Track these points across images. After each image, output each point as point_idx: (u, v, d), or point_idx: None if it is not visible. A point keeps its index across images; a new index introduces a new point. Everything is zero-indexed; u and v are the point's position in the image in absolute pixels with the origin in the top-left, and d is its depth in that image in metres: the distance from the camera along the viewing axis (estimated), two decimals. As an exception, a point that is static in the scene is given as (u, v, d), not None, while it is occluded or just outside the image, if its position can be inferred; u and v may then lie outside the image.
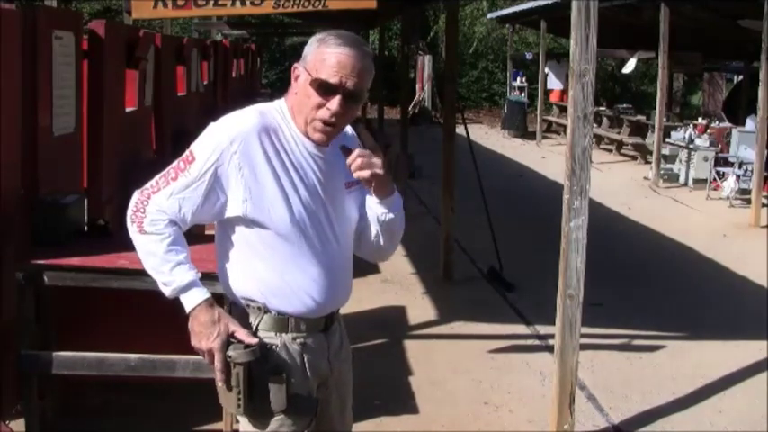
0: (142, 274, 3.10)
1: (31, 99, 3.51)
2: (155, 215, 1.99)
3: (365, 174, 1.96)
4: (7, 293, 3.20)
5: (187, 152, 2.00)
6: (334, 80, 1.93)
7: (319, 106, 1.96)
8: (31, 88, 3.50)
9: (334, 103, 1.95)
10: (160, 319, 3.44)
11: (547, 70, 18.65)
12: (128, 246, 3.32)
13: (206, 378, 3.22)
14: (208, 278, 2.11)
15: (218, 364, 1.98)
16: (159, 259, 2.00)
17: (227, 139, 1.95)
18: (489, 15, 21.92)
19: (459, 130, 7.07)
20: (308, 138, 2.02)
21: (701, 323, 5.68)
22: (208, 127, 2.02)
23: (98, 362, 3.20)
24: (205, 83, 8.90)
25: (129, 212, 2.02)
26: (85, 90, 4.32)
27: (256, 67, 17.19)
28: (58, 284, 3.18)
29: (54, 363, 3.16)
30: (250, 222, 1.99)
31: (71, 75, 4.03)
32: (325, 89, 1.94)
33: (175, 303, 2.04)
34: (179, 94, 7.21)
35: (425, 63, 21.16)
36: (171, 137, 6.52)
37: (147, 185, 2.02)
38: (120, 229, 4.21)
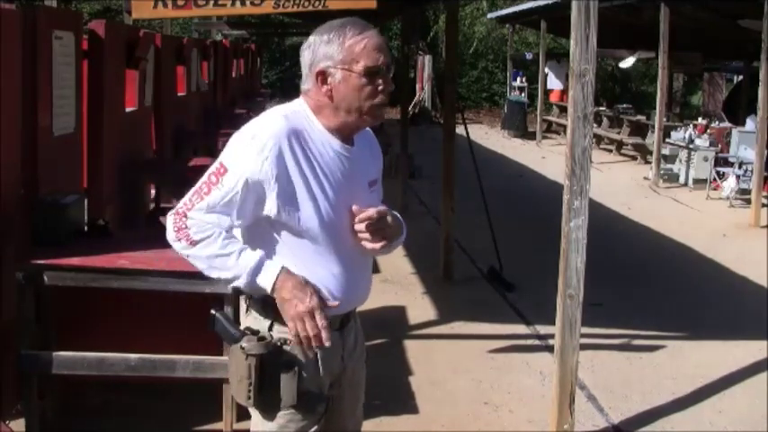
0: (142, 274, 3.15)
1: (31, 99, 3.51)
2: (198, 226, 1.98)
3: (376, 246, 2.07)
4: (7, 293, 3.20)
5: (216, 164, 2.00)
6: (380, 62, 2.03)
7: (373, 93, 2.03)
8: (31, 88, 3.50)
9: (386, 82, 2.05)
10: (160, 319, 3.46)
11: (547, 70, 18.65)
12: (128, 246, 3.38)
13: (206, 378, 3.24)
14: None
15: (321, 321, 1.96)
16: (221, 257, 1.98)
17: (258, 147, 1.95)
18: (489, 15, 21.91)
19: (460, 130, 7.06)
20: (340, 135, 2.06)
21: (701, 323, 5.68)
22: (233, 136, 2.03)
23: (98, 362, 3.20)
24: (206, 82, 8.90)
25: (171, 234, 2.00)
26: (85, 90, 4.32)
27: (256, 67, 17.20)
28: (58, 284, 3.18)
29: (54, 363, 3.16)
30: (278, 223, 2.00)
31: (71, 75, 4.03)
32: (374, 74, 2.02)
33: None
34: (179, 94, 7.21)
35: (425, 63, 21.16)
36: (171, 137, 6.53)
37: (180, 205, 2.01)
38: (119, 230, 4.24)
